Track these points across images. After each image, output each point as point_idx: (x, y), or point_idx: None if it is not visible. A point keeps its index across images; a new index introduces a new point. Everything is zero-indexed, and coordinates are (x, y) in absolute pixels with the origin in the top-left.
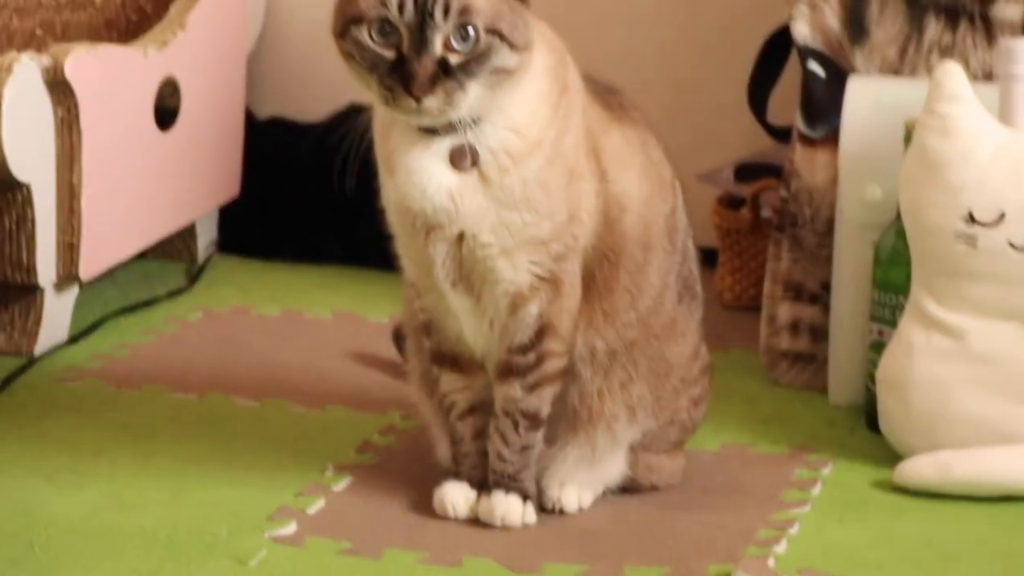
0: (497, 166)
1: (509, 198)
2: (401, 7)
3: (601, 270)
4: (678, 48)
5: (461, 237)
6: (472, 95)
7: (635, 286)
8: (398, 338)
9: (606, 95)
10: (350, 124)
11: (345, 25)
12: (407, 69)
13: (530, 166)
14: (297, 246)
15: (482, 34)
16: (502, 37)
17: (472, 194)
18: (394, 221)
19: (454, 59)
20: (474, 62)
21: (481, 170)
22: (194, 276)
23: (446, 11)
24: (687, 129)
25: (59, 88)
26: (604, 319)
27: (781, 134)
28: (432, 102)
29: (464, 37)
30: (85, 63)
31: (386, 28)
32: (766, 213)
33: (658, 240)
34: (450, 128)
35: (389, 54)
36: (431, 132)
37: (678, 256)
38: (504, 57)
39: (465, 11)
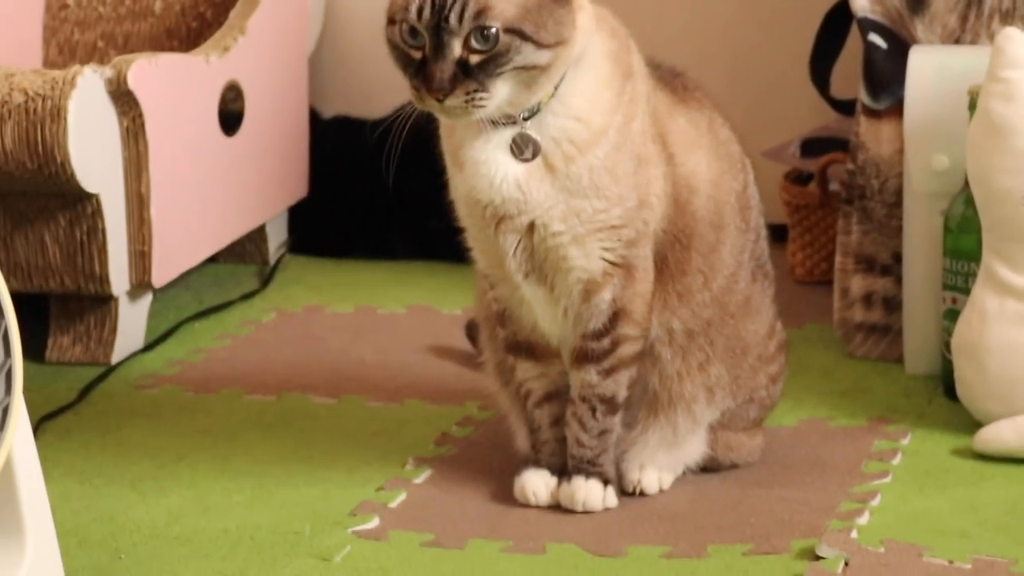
0: (562, 154)
1: (577, 186)
2: (420, 12)
3: (673, 253)
4: (739, 26)
5: (532, 227)
6: (499, 93)
7: (708, 266)
8: (471, 330)
9: (670, 79)
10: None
11: (386, 22)
12: (428, 71)
13: (596, 153)
14: (367, 243)
15: (501, 35)
16: (524, 36)
17: (539, 183)
18: (464, 214)
19: (474, 59)
20: (493, 62)
21: (546, 159)
22: (266, 278)
23: (461, 14)
24: (751, 106)
25: (123, 99)
26: (679, 300)
27: (845, 107)
28: (453, 102)
29: (486, 38)
30: (148, 73)
31: (414, 30)
32: (834, 187)
33: (730, 219)
34: (511, 119)
35: (416, 55)
36: (493, 123)
37: (751, 234)
38: (528, 55)
39: (481, 14)
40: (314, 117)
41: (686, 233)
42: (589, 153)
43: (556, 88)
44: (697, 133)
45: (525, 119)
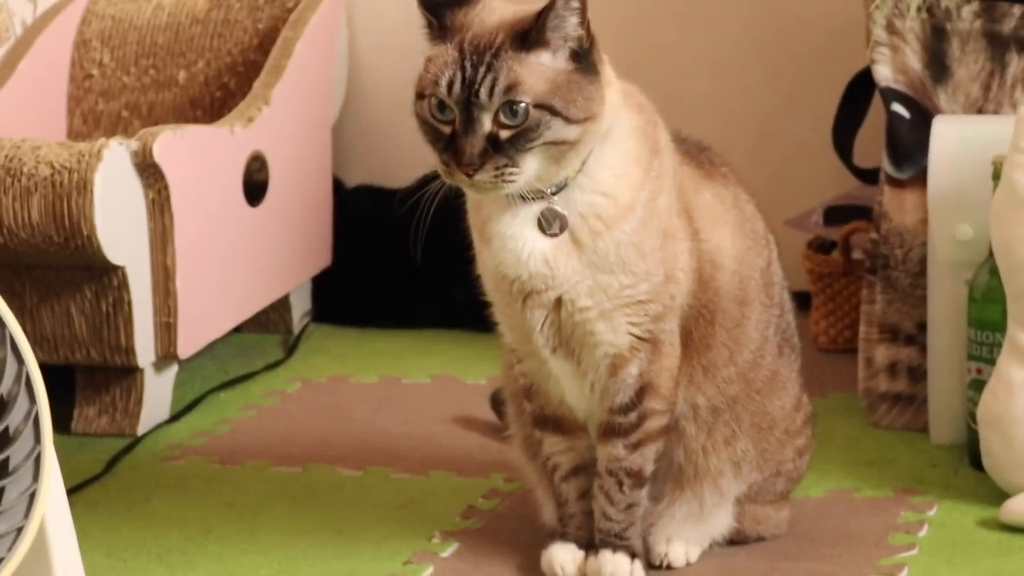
0: (589, 230)
1: (604, 261)
2: (451, 87)
3: (697, 327)
4: (761, 94)
5: (559, 302)
6: (529, 168)
7: (733, 341)
8: (496, 401)
9: (696, 154)
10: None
11: (415, 97)
12: (458, 145)
13: (623, 228)
14: (392, 312)
15: (531, 110)
16: (554, 111)
17: (566, 258)
18: (491, 289)
19: (504, 134)
20: (523, 137)
21: (573, 234)
22: (291, 347)
23: (492, 90)
24: (773, 175)
25: (149, 171)
26: (704, 375)
27: (868, 176)
28: (483, 176)
29: (514, 113)
30: (173, 145)
31: (443, 105)
32: (857, 255)
33: (755, 294)
34: (538, 194)
35: (446, 129)
36: (520, 198)
37: (776, 309)
38: (558, 130)
39: (511, 89)
40: (338, 186)
41: (710, 308)
42: (616, 228)
43: (583, 163)
44: (723, 209)
45: (553, 194)
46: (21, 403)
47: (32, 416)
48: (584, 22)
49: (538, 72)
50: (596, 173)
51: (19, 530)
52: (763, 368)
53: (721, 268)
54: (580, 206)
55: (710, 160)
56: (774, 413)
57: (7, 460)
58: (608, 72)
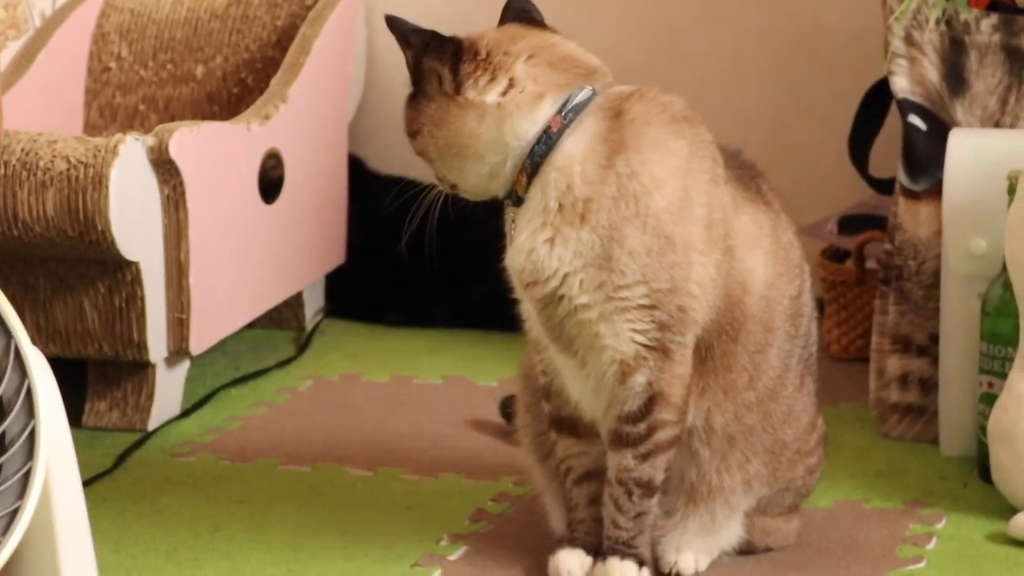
0: (565, 221)
1: (590, 252)
2: None
3: (720, 343)
4: (778, 102)
5: (560, 298)
6: (440, 177)
7: (754, 366)
8: (505, 407)
9: (748, 179)
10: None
11: None
12: None
13: (599, 220)
14: (405, 310)
15: None
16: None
17: (551, 248)
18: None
19: None
20: None
21: (555, 226)
22: (303, 344)
23: None
24: (789, 183)
25: (165, 167)
26: (724, 395)
27: (883, 186)
28: None
29: None
30: (189, 142)
31: None
32: (871, 264)
33: (780, 323)
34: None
35: None
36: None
37: (800, 340)
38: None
39: None
40: (361, 171)
41: (734, 326)
42: (591, 219)
43: (552, 157)
44: (759, 234)
45: (504, 197)
46: (19, 416)
47: (29, 429)
48: (403, 51)
49: None
50: (561, 168)
51: None
52: (782, 402)
53: (750, 292)
54: (552, 201)
55: (758, 187)
56: (788, 440)
57: None
58: (461, 98)
